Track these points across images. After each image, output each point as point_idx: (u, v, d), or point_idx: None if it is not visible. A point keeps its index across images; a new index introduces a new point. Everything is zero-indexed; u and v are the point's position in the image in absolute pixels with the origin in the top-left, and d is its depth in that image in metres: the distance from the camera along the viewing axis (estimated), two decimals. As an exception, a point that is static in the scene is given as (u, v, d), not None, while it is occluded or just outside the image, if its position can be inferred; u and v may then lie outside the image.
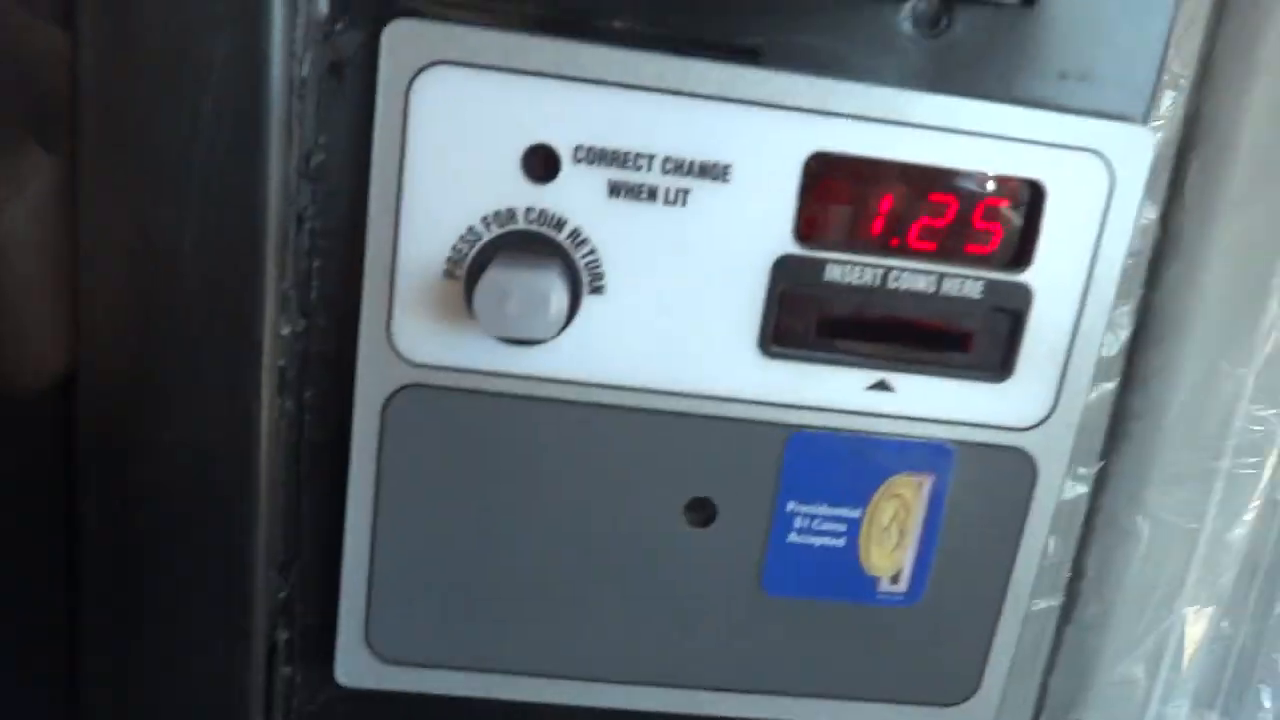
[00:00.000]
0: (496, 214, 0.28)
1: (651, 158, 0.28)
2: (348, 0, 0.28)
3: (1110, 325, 0.61)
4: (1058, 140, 0.28)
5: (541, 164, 0.28)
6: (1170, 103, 0.57)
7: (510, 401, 0.30)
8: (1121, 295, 0.61)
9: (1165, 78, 0.57)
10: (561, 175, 0.28)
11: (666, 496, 0.31)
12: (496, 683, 0.33)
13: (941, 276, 0.29)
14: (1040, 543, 0.33)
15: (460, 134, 0.28)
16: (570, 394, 0.30)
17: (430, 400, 0.30)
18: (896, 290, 0.30)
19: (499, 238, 0.29)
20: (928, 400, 0.31)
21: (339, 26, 0.28)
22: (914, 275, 0.29)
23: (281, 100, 0.27)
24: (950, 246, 0.30)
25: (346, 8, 0.28)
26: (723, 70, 0.28)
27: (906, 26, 0.28)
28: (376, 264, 0.29)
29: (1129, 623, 0.63)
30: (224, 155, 0.27)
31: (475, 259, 0.29)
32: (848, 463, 0.31)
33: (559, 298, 0.27)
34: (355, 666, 0.33)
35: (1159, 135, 0.56)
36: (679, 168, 0.28)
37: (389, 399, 0.30)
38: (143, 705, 0.31)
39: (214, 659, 0.32)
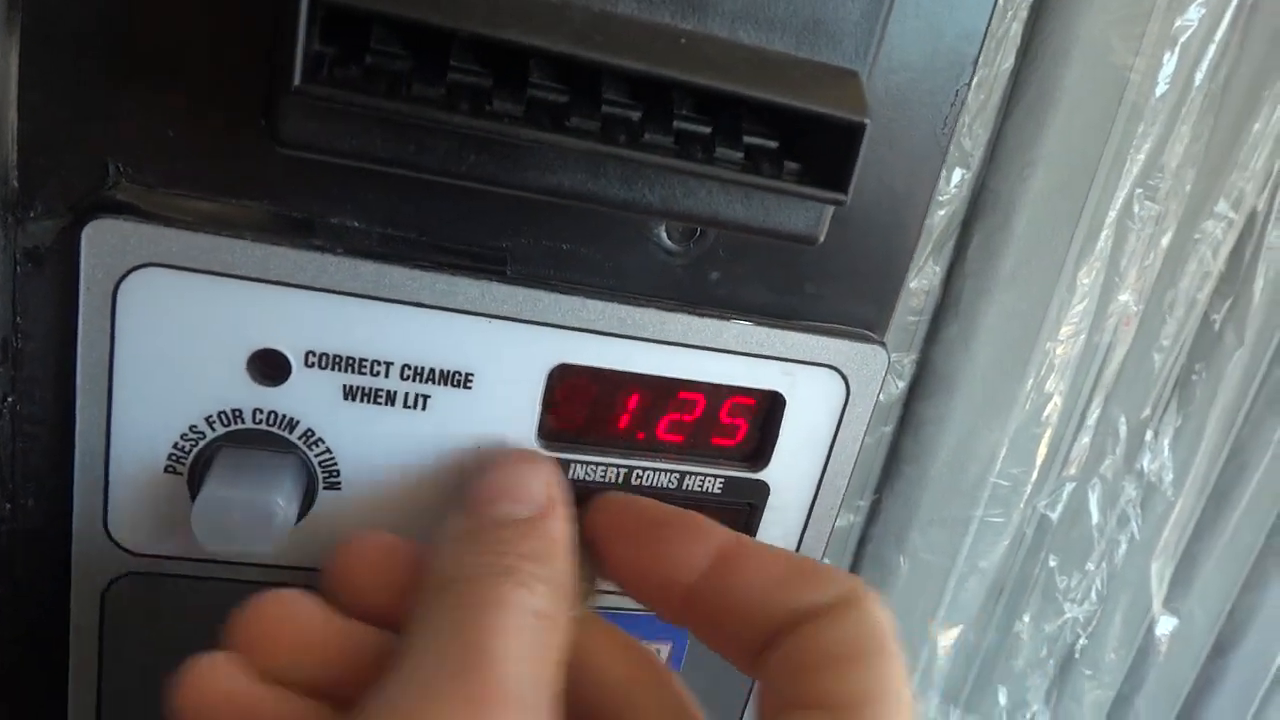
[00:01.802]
0: (221, 414, 0.27)
1: (389, 365, 0.27)
2: (44, 186, 0.25)
3: (893, 373, 0.65)
4: (799, 356, 0.29)
5: (270, 368, 0.27)
6: (958, 179, 0.59)
7: (239, 587, 0.29)
8: (905, 347, 0.64)
9: (957, 154, 0.59)
10: (292, 378, 0.27)
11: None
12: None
13: (684, 475, 0.30)
14: (771, 691, 0.35)
15: (177, 336, 0.26)
16: (301, 580, 0.29)
17: (154, 587, 0.29)
18: (640, 487, 0.30)
19: (226, 435, 0.27)
20: (669, 578, 0.32)
21: (34, 213, 0.25)
22: (657, 474, 0.30)
23: (-34, 291, 0.25)
24: (697, 440, 0.30)
25: (42, 194, 0.25)
26: (465, 284, 0.26)
27: (662, 238, 0.28)
28: (88, 456, 0.27)
29: (888, 642, 0.69)
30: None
31: (198, 456, 0.27)
32: (591, 632, 0.32)
33: (283, 513, 0.26)
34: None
35: (943, 212, 0.58)
36: (418, 375, 0.27)
37: (108, 586, 0.29)
38: None
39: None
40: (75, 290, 0.25)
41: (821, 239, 0.24)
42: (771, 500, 0.31)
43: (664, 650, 0.33)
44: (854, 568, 0.71)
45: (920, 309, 0.64)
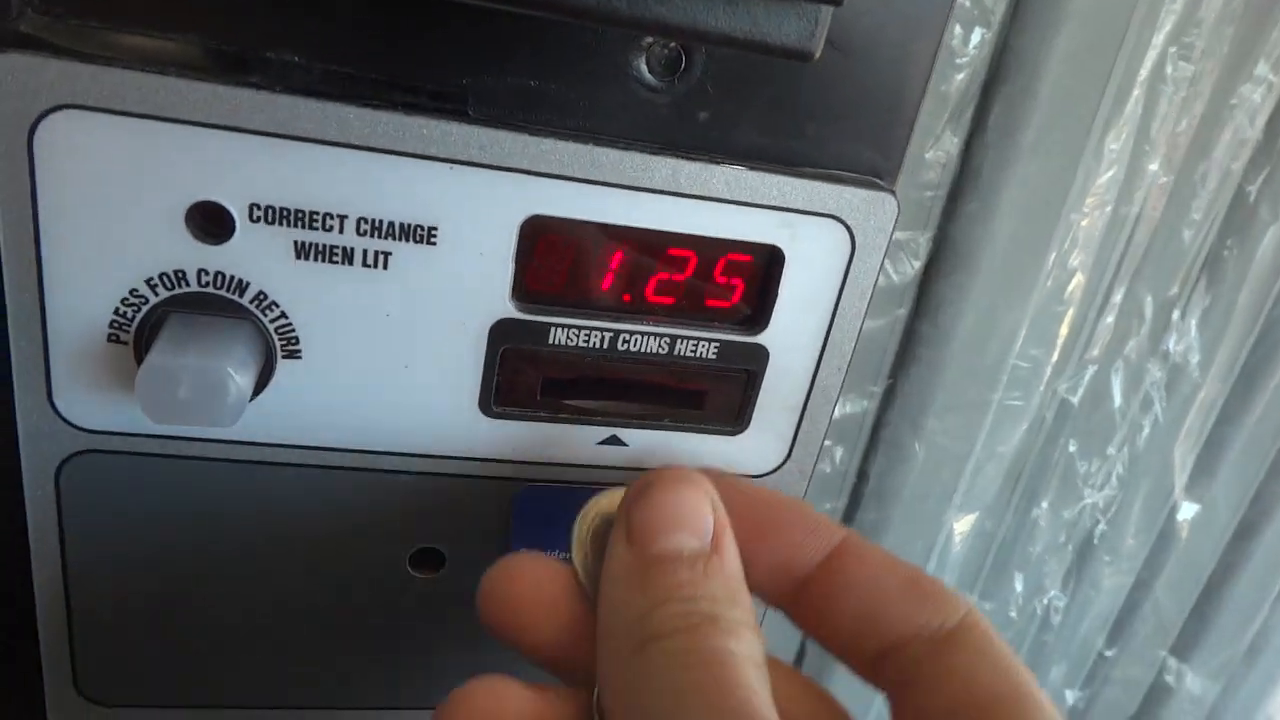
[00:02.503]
0: (163, 275, 0.25)
1: (343, 219, 0.24)
2: (-60, 19, 0.22)
3: (907, 252, 0.62)
4: (799, 206, 0.26)
5: (211, 223, 0.24)
6: (978, 39, 0.54)
7: (200, 465, 0.27)
8: (920, 225, 0.61)
9: (976, 12, 0.55)
10: (236, 235, 0.24)
11: (391, 549, 0.30)
12: (213, 716, 0.32)
13: (675, 339, 0.28)
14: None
15: (107, 187, 0.23)
16: (268, 456, 0.27)
17: (109, 466, 0.27)
18: (627, 353, 0.28)
19: (171, 299, 0.25)
20: (662, 453, 0.30)
21: (-66, 50, 0.22)
22: (646, 338, 0.28)
23: None
24: (689, 302, 0.28)
25: (-60, 28, 0.22)
26: (423, 126, 0.24)
27: (642, 71, 0.25)
28: (22, 326, 0.25)
29: (903, 527, 0.68)
30: None
31: (143, 322, 0.25)
32: (578, 511, 0.30)
33: (238, 382, 0.24)
34: (68, 710, 0.31)
35: (962, 76, 0.54)
36: (376, 229, 0.25)
37: (61, 465, 0.27)
38: None
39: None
40: (-11, 138, 0.23)
41: (817, 53, 0.21)
42: (771, 366, 0.29)
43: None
44: (868, 454, 0.69)
45: (937, 183, 0.60)
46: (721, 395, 0.29)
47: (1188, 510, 0.77)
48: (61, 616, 0.29)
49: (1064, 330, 0.62)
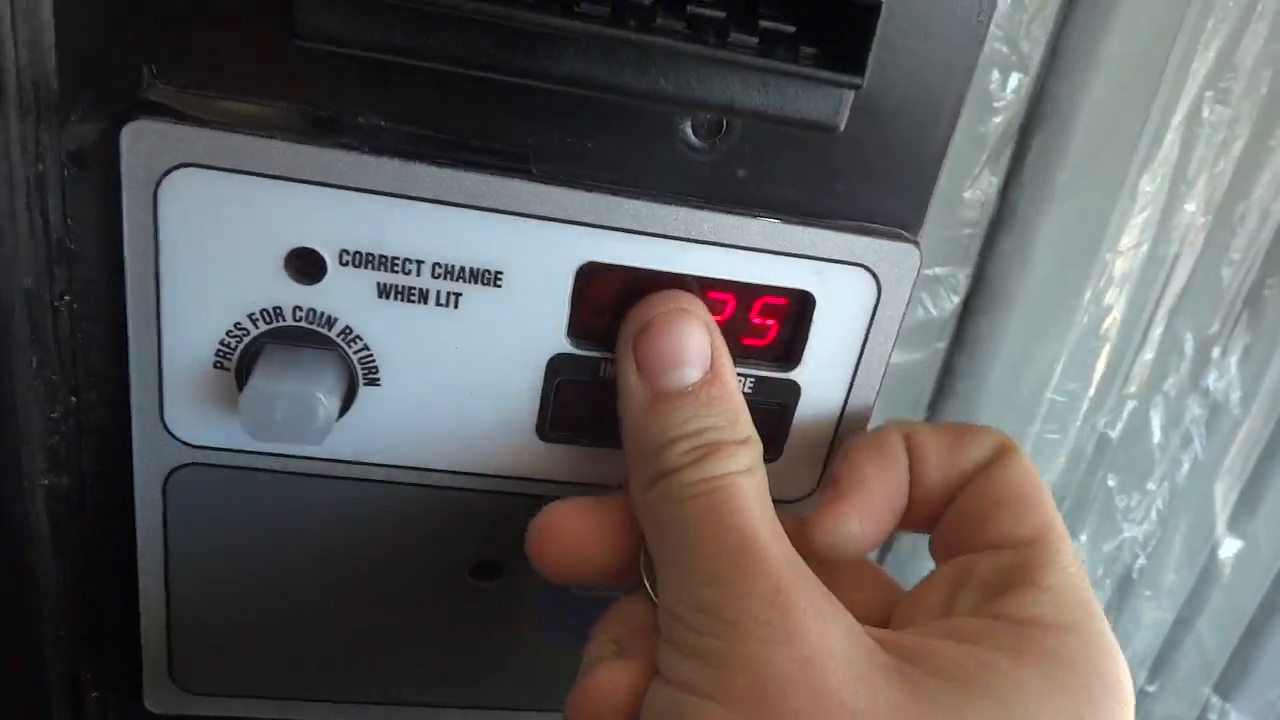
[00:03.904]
0: (263, 311, 0.28)
1: (420, 263, 0.28)
2: (83, 90, 0.26)
3: (946, 288, 0.64)
4: (829, 255, 0.29)
5: (306, 266, 0.27)
6: (1015, 84, 0.57)
7: (290, 479, 0.31)
8: (958, 261, 0.63)
9: (1014, 59, 0.57)
10: (328, 277, 0.28)
11: (453, 558, 0.33)
12: (298, 709, 0.35)
13: (713, 374, 0.30)
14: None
15: (217, 235, 0.27)
16: (349, 472, 0.31)
17: (209, 478, 0.30)
18: (669, 385, 0.30)
19: (268, 331, 0.28)
20: (701, 476, 0.32)
21: (75, 116, 0.26)
22: (686, 372, 0.30)
23: (17, 191, 0.26)
24: (727, 340, 0.30)
25: (82, 97, 0.26)
26: (492, 183, 0.27)
27: (688, 134, 0.28)
28: (142, 354, 0.28)
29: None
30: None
31: (244, 352, 0.28)
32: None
33: (326, 406, 0.27)
34: (161, 697, 0.34)
35: (999, 119, 0.57)
36: (449, 273, 0.28)
37: (168, 476, 0.30)
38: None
39: (15, 697, 0.33)
40: (118, 191, 0.26)
41: (841, 126, 0.23)
42: (803, 400, 0.31)
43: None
44: (905, 485, 0.70)
45: (975, 221, 0.62)
46: (757, 426, 0.31)
47: (1230, 547, 0.77)
48: (161, 612, 0.33)
49: (1101, 365, 0.63)
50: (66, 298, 0.28)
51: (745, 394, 0.31)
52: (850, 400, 0.32)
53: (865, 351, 0.31)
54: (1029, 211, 0.59)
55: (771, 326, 0.30)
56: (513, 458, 0.31)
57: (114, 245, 0.27)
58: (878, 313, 0.30)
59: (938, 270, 0.63)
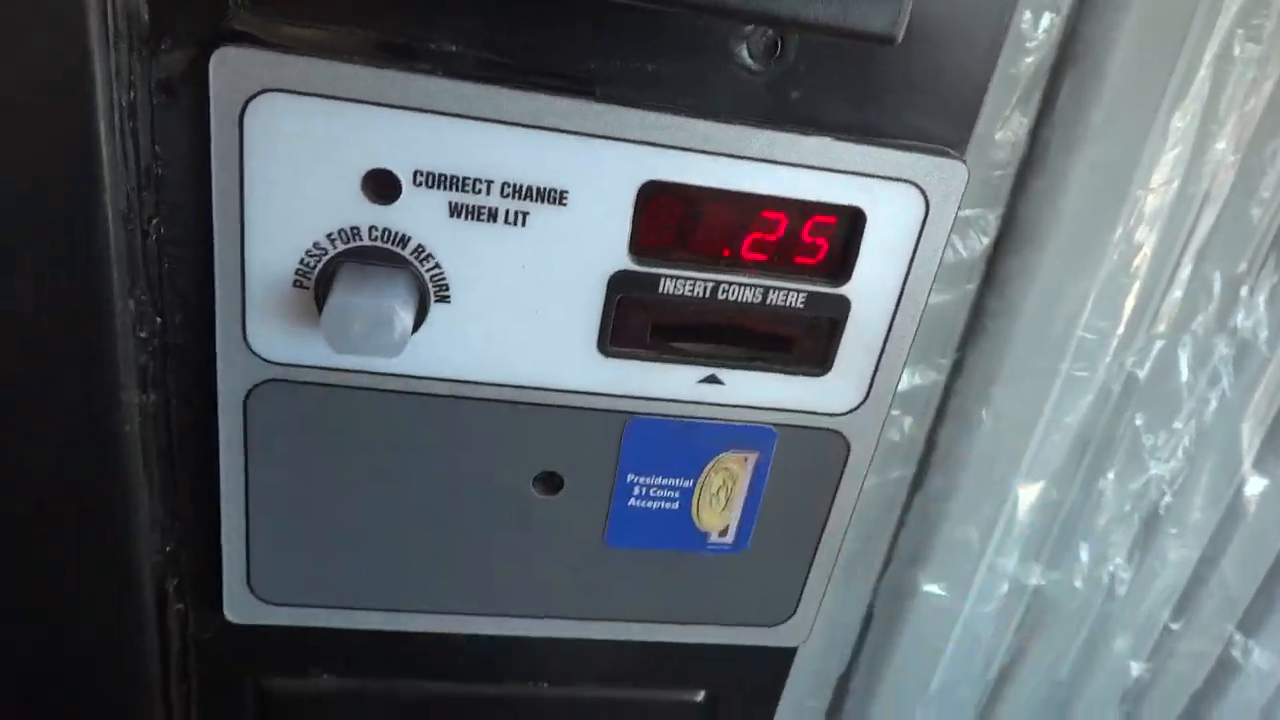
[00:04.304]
0: (341, 231, 0.29)
1: (490, 183, 0.29)
2: (172, 20, 0.27)
3: (976, 229, 0.65)
4: (879, 172, 0.30)
5: (382, 186, 0.29)
6: (1047, 24, 0.57)
7: (365, 394, 0.32)
8: (989, 203, 0.64)
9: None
10: (403, 197, 0.29)
11: (517, 470, 0.35)
12: (366, 618, 0.37)
13: (768, 290, 0.32)
14: (851, 503, 0.37)
15: (298, 157, 0.28)
16: (420, 388, 0.32)
17: (288, 394, 0.32)
18: (726, 301, 0.32)
19: (345, 252, 0.30)
20: (754, 391, 0.34)
21: (165, 45, 0.27)
22: (742, 289, 0.32)
23: (109, 117, 0.27)
24: (779, 258, 0.32)
25: (171, 27, 0.27)
26: (558, 103, 0.28)
27: (744, 55, 0.29)
28: (226, 273, 0.30)
29: (969, 494, 0.71)
30: (59, 177, 0.27)
31: (322, 271, 0.30)
32: (681, 442, 0.35)
33: (403, 319, 0.29)
34: (241, 607, 0.36)
35: (1031, 59, 0.57)
36: (517, 192, 0.29)
37: (249, 393, 0.32)
38: (53, 654, 0.35)
39: (106, 605, 0.35)
40: (206, 117, 0.28)
41: (899, 37, 0.25)
42: (853, 315, 0.33)
43: (750, 460, 0.35)
44: (936, 424, 0.72)
45: (1006, 162, 0.63)
46: (808, 340, 0.33)
47: (1256, 485, 0.78)
48: (241, 526, 0.34)
49: (1130, 303, 0.64)
50: (155, 221, 0.30)
51: (797, 309, 0.32)
52: (898, 315, 0.33)
53: (913, 267, 0.32)
54: (1060, 151, 0.60)
55: (823, 243, 0.32)
56: (575, 372, 0.33)
57: (201, 170, 0.29)
58: (925, 228, 0.31)
59: (968, 212, 0.64)
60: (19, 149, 0.27)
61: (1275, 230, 0.69)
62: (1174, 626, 0.86)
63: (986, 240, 0.64)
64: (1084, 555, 0.77)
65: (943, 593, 0.75)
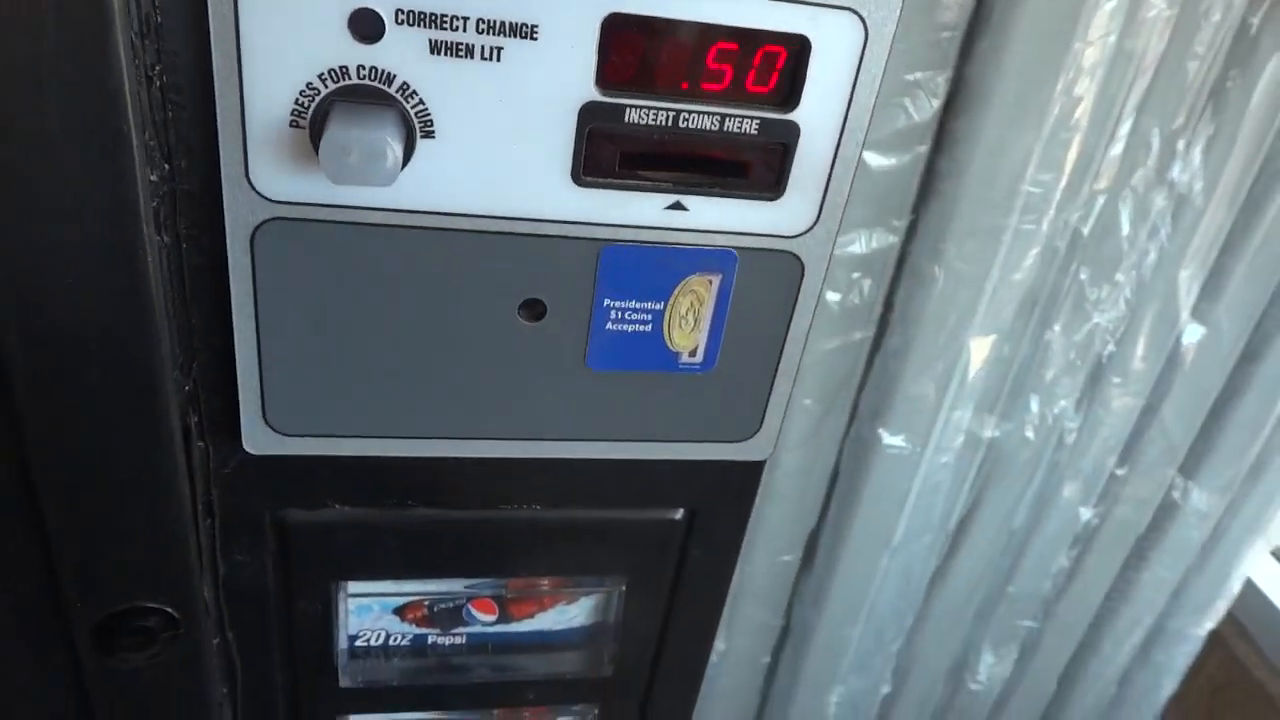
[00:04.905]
0: (331, 71, 0.32)
1: (466, 19, 0.32)
2: None
3: (926, 92, 0.68)
4: (823, 1, 0.33)
5: (366, 26, 0.31)
6: (988, -117, 0.59)
7: (361, 229, 0.35)
8: (938, 65, 0.67)
9: None
10: (386, 36, 0.32)
11: (504, 298, 0.38)
12: (374, 445, 0.41)
13: (724, 118, 0.35)
14: (807, 321, 0.41)
15: (288, 1, 0.31)
16: (411, 220, 0.35)
17: (291, 231, 0.35)
18: (687, 129, 0.35)
19: (336, 91, 0.33)
20: (715, 216, 0.37)
21: (160, -106, 0.30)
22: (700, 116, 0.35)
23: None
24: (734, 88, 0.35)
25: (164, -125, 0.29)
26: (525, -61, 0.31)
27: (693, -110, 0.32)
28: (228, 117, 0.33)
29: (925, 351, 0.76)
30: (70, 32, 0.30)
31: (316, 110, 0.33)
32: (651, 267, 0.38)
33: (394, 150, 0.32)
34: (258, 439, 0.40)
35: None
36: (491, 28, 0.32)
37: (255, 230, 0.35)
38: (87, 485, 0.38)
39: (137, 442, 0.39)
40: (201, -35, 0.30)
41: None
42: (802, 139, 0.36)
43: (714, 282, 0.39)
44: (894, 283, 0.76)
45: (954, 24, 0.65)
46: (763, 166, 0.36)
47: (1193, 333, 0.83)
48: (254, 361, 0.38)
49: (1072, 155, 0.68)
50: (158, 69, 0.32)
51: (752, 135, 0.35)
52: (843, 138, 0.36)
53: (855, 92, 0.35)
54: (1004, 10, 0.63)
55: (774, 71, 0.35)
56: (552, 202, 0.36)
57: (198, 17, 0.31)
58: (865, 54, 0.34)
59: (918, 75, 0.67)
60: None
61: (1210, 85, 0.72)
62: (1119, 472, 0.93)
63: (936, 103, 0.67)
64: (1034, 406, 0.83)
65: (903, 444, 0.80)
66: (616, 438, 0.43)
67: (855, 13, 0.34)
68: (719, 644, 0.97)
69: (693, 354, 0.41)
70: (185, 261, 0.36)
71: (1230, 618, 1.11)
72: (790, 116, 0.35)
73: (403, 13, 0.31)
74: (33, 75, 0.30)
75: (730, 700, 1.01)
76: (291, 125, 0.33)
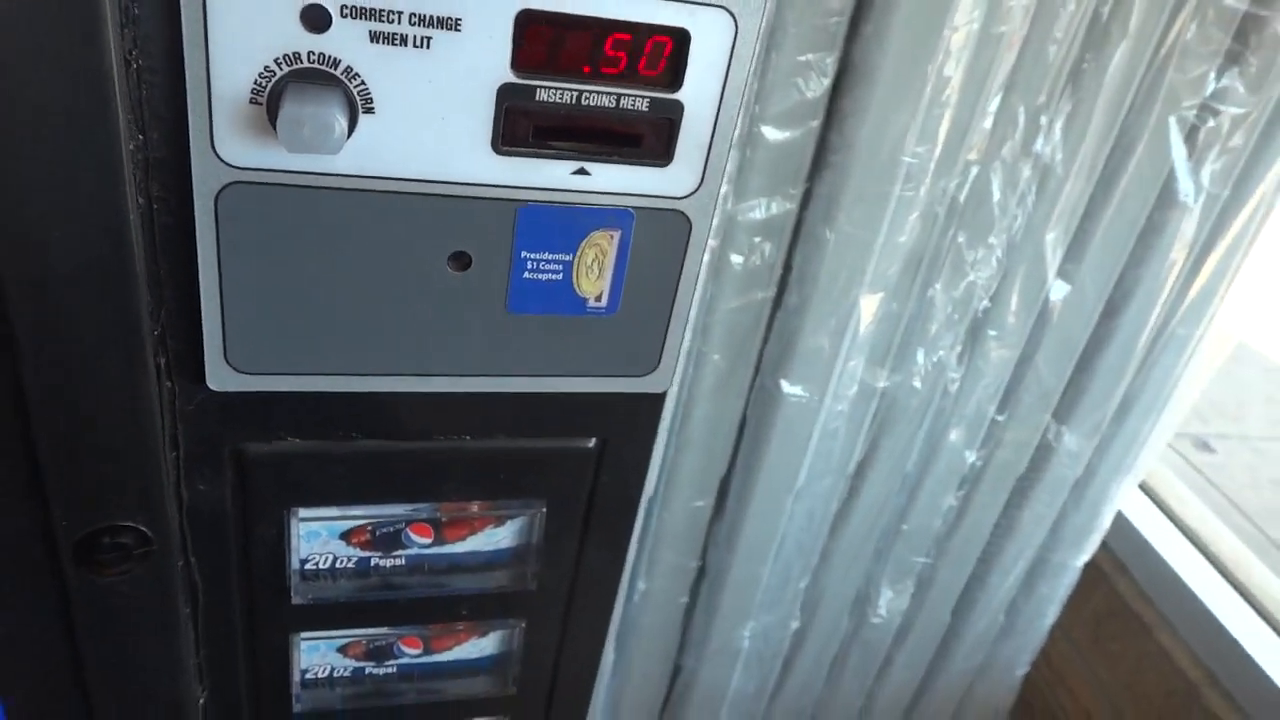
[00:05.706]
0: (285, 56, 0.38)
1: (400, 13, 0.38)
2: (141, -116, 0.35)
3: (817, 71, 0.75)
4: (699, 0, 0.40)
5: (316, 19, 0.37)
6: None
7: (312, 192, 0.41)
8: (826, 48, 0.74)
9: None
10: (333, 27, 0.38)
11: (434, 251, 0.44)
12: (323, 381, 0.47)
13: (620, 97, 0.42)
14: (696, 271, 0.48)
15: (250, -4, 0.37)
16: (354, 184, 0.42)
17: (250, 194, 0.41)
18: (589, 106, 0.42)
19: (290, 74, 0.39)
20: (615, 180, 0.44)
21: (136, -95, 0.35)
22: (600, 95, 0.41)
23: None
24: (628, 72, 0.42)
25: (141, -111, 0.35)
26: (449, -53, 0.37)
27: (588, -92, 0.38)
28: (196, 95, 0.38)
29: (820, 307, 0.84)
30: (59, 17, 0.35)
31: (272, 89, 0.39)
32: (561, 224, 0.45)
33: (340, 123, 0.38)
34: (220, 376, 0.46)
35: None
36: (422, 20, 0.38)
37: (219, 193, 0.41)
38: (73, 415, 0.44)
39: (120, 381, 0.44)
40: (172, -36, 0.36)
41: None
42: (686, 115, 0.43)
43: (615, 237, 0.46)
44: (791, 246, 0.84)
45: (841, 9, 0.73)
46: (653, 137, 0.43)
47: (1059, 290, 0.93)
48: (217, 308, 0.44)
49: (944, 129, 0.76)
50: (134, 52, 0.38)
51: (644, 111, 0.42)
52: (721, 113, 0.43)
53: (729, 75, 0.42)
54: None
55: (661, 58, 0.41)
56: (476, 168, 0.42)
57: (170, 7, 0.37)
58: (736, 44, 0.41)
59: (809, 56, 0.74)
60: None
61: (1070, 66, 0.81)
62: (999, 418, 1.02)
63: (826, 82, 0.75)
64: (920, 358, 0.92)
65: (803, 394, 0.89)
66: (535, 374, 0.50)
67: (727, 10, 0.41)
68: (640, 584, 1.05)
69: (598, 299, 0.48)
70: (156, 220, 0.42)
71: (1110, 554, 1.22)
72: (675, 96, 0.42)
73: (347, 8, 0.37)
74: (34, 62, 0.35)
75: (652, 637, 1.10)
76: (251, 102, 0.39)
